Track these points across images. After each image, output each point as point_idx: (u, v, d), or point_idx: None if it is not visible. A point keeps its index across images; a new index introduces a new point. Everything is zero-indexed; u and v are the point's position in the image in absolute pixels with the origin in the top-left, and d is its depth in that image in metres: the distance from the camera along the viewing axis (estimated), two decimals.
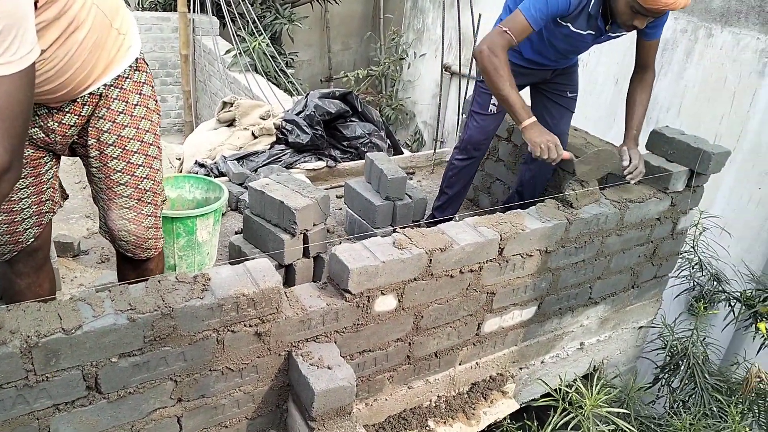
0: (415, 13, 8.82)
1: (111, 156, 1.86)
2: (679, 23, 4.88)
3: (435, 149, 4.30)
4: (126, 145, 1.87)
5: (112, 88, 1.82)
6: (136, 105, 1.87)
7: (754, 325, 3.02)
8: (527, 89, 2.92)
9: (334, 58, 10.12)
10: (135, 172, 1.90)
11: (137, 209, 1.94)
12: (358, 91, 9.11)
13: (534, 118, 2.40)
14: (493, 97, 2.77)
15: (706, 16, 4.67)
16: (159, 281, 1.62)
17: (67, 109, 1.79)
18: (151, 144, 1.92)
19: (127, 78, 1.85)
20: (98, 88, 1.79)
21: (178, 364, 1.65)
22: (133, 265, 2.06)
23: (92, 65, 1.73)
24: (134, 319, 1.52)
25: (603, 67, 5.56)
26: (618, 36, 2.57)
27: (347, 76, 8.98)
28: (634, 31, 2.48)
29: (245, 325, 1.70)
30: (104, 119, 1.83)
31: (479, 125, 2.90)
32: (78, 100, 1.79)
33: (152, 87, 1.95)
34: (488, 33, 2.47)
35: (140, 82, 1.89)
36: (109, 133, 1.84)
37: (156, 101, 1.96)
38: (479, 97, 2.87)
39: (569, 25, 2.45)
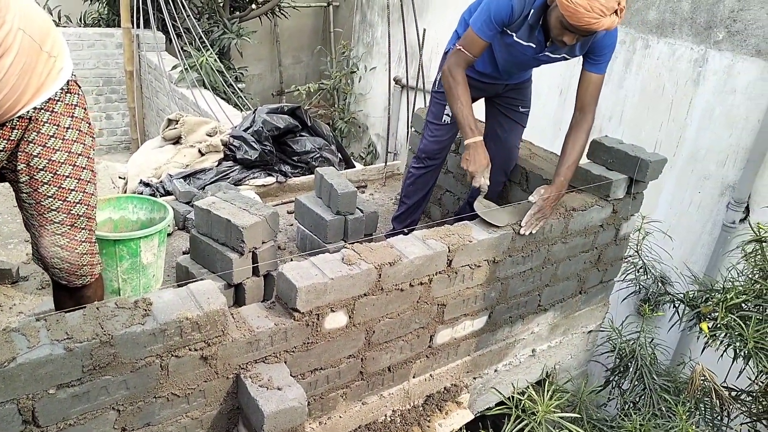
0: (364, 27, 8.88)
1: (42, 181, 1.81)
2: (618, 35, 5.04)
3: (386, 162, 4.32)
4: (57, 170, 1.82)
5: (43, 111, 1.78)
6: (68, 128, 1.83)
7: (697, 325, 3.11)
8: (482, 102, 2.97)
9: (286, 72, 10.09)
10: (67, 197, 1.85)
11: (70, 235, 1.89)
12: (310, 104, 9.10)
13: (479, 138, 2.46)
14: (447, 107, 2.82)
15: (643, 27, 4.85)
16: (98, 308, 1.57)
17: None
18: (84, 168, 1.88)
19: (58, 101, 1.80)
20: (28, 112, 1.75)
21: (121, 393, 1.60)
22: (69, 293, 1.99)
23: (21, 90, 1.69)
24: (72, 349, 1.47)
25: (546, 79, 5.69)
26: (558, 58, 2.57)
27: (299, 89, 8.95)
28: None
29: (190, 350, 1.66)
30: (34, 143, 1.78)
31: (434, 135, 2.93)
32: (7, 124, 1.74)
33: (85, 109, 1.91)
34: (449, 53, 2.60)
35: (72, 104, 1.85)
36: (40, 157, 1.79)
37: (89, 124, 1.92)
38: (434, 108, 2.91)
39: (513, 34, 2.49)
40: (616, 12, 2.14)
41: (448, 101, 2.56)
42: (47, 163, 1.80)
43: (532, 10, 2.39)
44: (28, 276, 2.79)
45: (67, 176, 1.84)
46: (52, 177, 1.82)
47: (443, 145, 2.96)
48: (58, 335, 1.48)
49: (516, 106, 2.91)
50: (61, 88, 1.81)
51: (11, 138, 1.77)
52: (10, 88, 1.65)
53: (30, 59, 1.69)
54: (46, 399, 1.48)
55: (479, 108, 3.05)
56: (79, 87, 1.90)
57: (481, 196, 2.43)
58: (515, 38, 2.50)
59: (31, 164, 1.80)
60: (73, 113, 1.85)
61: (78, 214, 1.89)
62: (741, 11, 4.20)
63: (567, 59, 2.59)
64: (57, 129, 1.80)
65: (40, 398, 1.47)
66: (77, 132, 1.85)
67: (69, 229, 1.88)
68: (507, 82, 2.83)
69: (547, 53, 2.53)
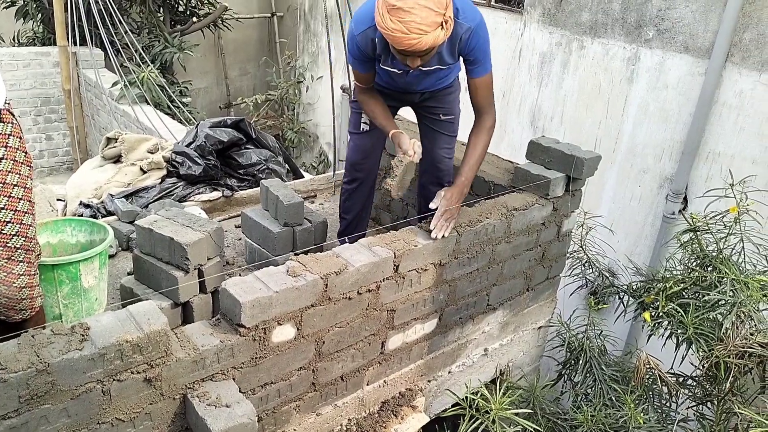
0: (308, 37, 8.88)
1: None
2: (554, 37, 5.19)
3: (335, 171, 4.32)
4: None
5: None
6: (1, 159, 1.78)
7: (641, 315, 3.22)
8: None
9: (232, 84, 9.99)
10: (3, 230, 1.80)
11: (7, 269, 1.83)
12: (258, 115, 9.03)
13: (396, 131, 2.49)
14: (363, 115, 2.82)
15: (577, 29, 5.00)
16: (33, 336, 1.53)
17: None
18: (20, 198, 1.83)
19: None
20: None
21: (62, 421, 1.56)
22: (8, 327, 1.92)
23: None
24: (6, 380, 1.42)
25: None
26: (433, 71, 2.53)
27: (246, 101, 8.89)
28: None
29: (132, 372, 1.62)
30: None
31: (355, 144, 2.92)
32: None
33: (20, 138, 1.86)
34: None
35: (5, 134, 1.80)
36: None
37: (25, 153, 1.87)
38: (352, 117, 2.90)
39: (380, 63, 2.53)
40: (441, 25, 2.09)
41: (366, 114, 2.71)
42: None
43: (377, 39, 2.38)
44: None
45: (2, 208, 1.79)
46: None
47: (366, 154, 2.92)
48: None
49: (436, 114, 2.82)
50: None
51: None
52: None
53: None
54: None
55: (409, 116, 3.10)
56: (13, 115, 1.85)
57: (413, 160, 2.43)
58: (382, 65, 2.54)
59: None
60: (7, 143, 1.80)
61: (15, 247, 1.83)
62: (668, 10, 4.38)
63: (443, 67, 2.52)
64: None
65: None
66: (11, 162, 1.81)
67: (6, 262, 1.82)
68: (422, 91, 2.75)
69: (420, 69, 2.44)
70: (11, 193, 1.81)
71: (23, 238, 1.85)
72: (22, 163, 1.85)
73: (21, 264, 1.86)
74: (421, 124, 2.92)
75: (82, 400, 1.56)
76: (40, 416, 1.51)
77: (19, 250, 1.85)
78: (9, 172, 1.80)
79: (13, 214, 1.82)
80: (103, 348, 1.54)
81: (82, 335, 1.55)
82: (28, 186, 1.87)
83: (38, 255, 1.97)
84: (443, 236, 2.29)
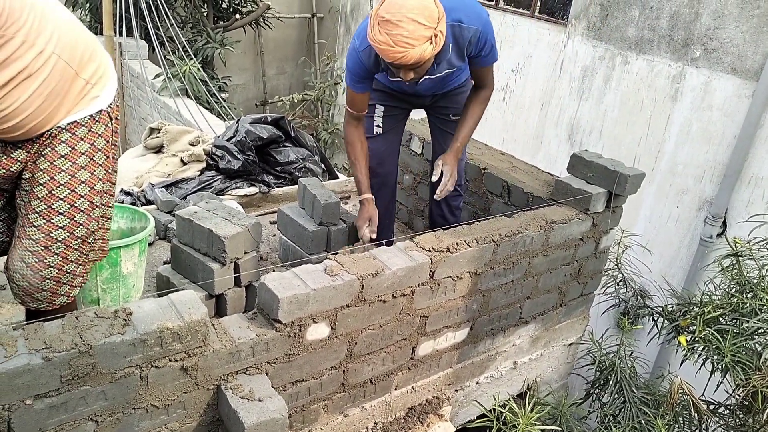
0: (348, 39, 8.92)
1: (37, 195, 1.80)
2: (597, 51, 5.14)
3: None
4: (54, 189, 1.81)
5: (64, 131, 1.79)
6: (82, 154, 1.83)
7: (676, 339, 3.15)
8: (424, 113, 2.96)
9: (269, 82, 10.09)
10: (52, 219, 1.82)
11: (40, 256, 1.84)
12: (294, 115, 9.11)
13: (366, 195, 2.67)
14: (375, 119, 2.82)
15: (622, 44, 4.94)
16: (77, 317, 1.56)
17: (19, 145, 1.78)
18: (82, 196, 1.85)
19: (83, 126, 1.82)
20: (51, 130, 1.78)
21: (99, 404, 1.58)
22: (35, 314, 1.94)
23: (49, 112, 1.72)
24: (50, 359, 1.45)
25: (529, 92, 5.78)
26: (443, 76, 2.53)
27: (282, 100, 8.96)
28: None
29: (170, 360, 1.64)
30: (45, 158, 1.79)
31: (369, 150, 2.85)
32: (32, 139, 1.78)
33: (108, 142, 1.90)
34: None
35: (96, 133, 1.85)
36: (44, 172, 1.79)
37: (108, 157, 1.91)
38: (365, 122, 2.86)
39: (389, 78, 2.53)
40: (430, 39, 2.10)
41: (351, 165, 2.74)
42: (48, 179, 1.80)
43: (372, 64, 2.41)
44: (5, 284, 2.75)
45: (61, 198, 1.82)
46: (47, 194, 1.80)
47: (381, 157, 2.89)
48: (36, 345, 1.46)
49: (447, 115, 2.81)
50: (91, 116, 1.83)
51: (31, 151, 1.80)
52: (34, 110, 1.68)
53: (62, 84, 1.72)
54: (23, 409, 1.46)
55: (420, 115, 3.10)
56: (111, 120, 1.90)
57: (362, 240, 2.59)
58: (391, 79, 2.54)
59: (35, 176, 1.80)
60: (94, 142, 1.85)
61: (56, 239, 1.84)
62: (717, 30, 4.31)
63: (453, 70, 2.54)
64: (71, 151, 1.81)
65: (16, 409, 1.45)
66: (89, 160, 1.84)
67: (42, 249, 1.83)
68: (433, 93, 2.75)
69: (426, 78, 2.49)
70: (75, 188, 1.83)
71: (68, 234, 1.85)
72: (100, 165, 1.88)
73: (55, 257, 1.86)
74: (432, 124, 2.93)
75: (120, 384, 1.59)
76: (80, 397, 1.54)
77: (59, 243, 1.85)
78: (82, 168, 1.84)
79: (69, 208, 1.84)
80: (144, 334, 1.56)
81: (125, 320, 1.57)
82: (96, 188, 1.89)
83: (87, 258, 1.96)
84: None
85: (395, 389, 2.38)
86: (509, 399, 2.67)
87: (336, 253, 2.11)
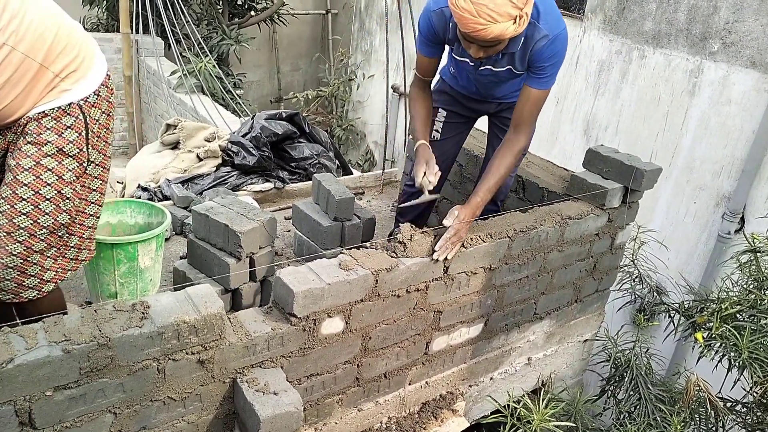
0: (362, 35, 8.92)
1: (5, 180, 1.82)
2: (614, 45, 5.09)
3: (384, 169, 4.33)
4: (18, 175, 1.80)
5: (33, 120, 1.81)
6: (49, 142, 1.82)
7: (692, 336, 3.12)
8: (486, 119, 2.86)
9: (284, 78, 10.11)
10: (15, 205, 1.79)
11: (2, 242, 1.80)
12: (308, 111, 9.12)
13: (420, 143, 2.38)
14: (436, 123, 2.76)
15: (639, 38, 4.89)
16: (95, 310, 1.58)
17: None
18: (48, 184, 1.82)
19: (49, 116, 1.82)
20: (21, 119, 1.81)
21: (117, 396, 1.60)
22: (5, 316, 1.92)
23: (11, 101, 1.74)
24: (69, 351, 1.47)
25: None
26: (503, 72, 2.41)
27: (297, 96, 8.98)
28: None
29: (187, 353, 1.66)
30: (15, 146, 1.83)
31: None
32: (11, 128, 1.82)
33: (81, 135, 1.87)
34: None
35: (65, 125, 1.84)
36: (13, 158, 1.82)
37: (80, 150, 1.88)
38: None
39: (452, 50, 2.43)
40: (515, 19, 1.97)
41: (410, 118, 2.54)
42: (14, 165, 1.80)
43: (451, 23, 2.25)
44: None
45: (26, 184, 1.80)
46: (12, 179, 1.80)
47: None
48: (56, 337, 1.48)
49: (508, 126, 2.69)
50: (60, 107, 1.82)
51: (7, 139, 1.84)
52: None
53: (20, 75, 1.73)
54: (43, 401, 1.48)
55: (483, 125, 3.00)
56: (84, 114, 1.88)
57: (422, 197, 2.30)
58: (454, 54, 2.44)
59: (7, 161, 1.84)
60: (62, 133, 1.83)
61: (19, 225, 1.80)
62: (736, 23, 4.24)
63: (514, 73, 2.39)
64: (36, 137, 1.81)
65: (36, 400, 1.48)
66: (56, 149, 1.83)
67: (4, 235, 1.80)
68: (498, 101, 2.67)
69: (488, 66, 2.39)
70: (41, 174, 1.81)
71: (31, 221, 1.81)
72: (70, 156, 1.85)
73: (18, 245, 1.81)
74: (492, 133, 2.83)
75: (138, 377, 1.61)
76: (98, 389, 1.56)
77: (21, 230, 1.81)
78: (48, 155, 1.81)
79: (33, 195, 1.80)
80: (162, 327, 1.58)
81: (143, 313, 1.59)
82: (65, 178, 1.85)
83: (61, 253, 1.93)
84: (446, 258, 2.14)
85: (409, 384, 2.39)
86: (523, 395, 2.67)
87: (351, 248, 2.12)
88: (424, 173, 2.28)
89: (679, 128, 4.65)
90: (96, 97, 1.91)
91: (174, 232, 3.26)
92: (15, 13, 1.70)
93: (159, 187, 3.73)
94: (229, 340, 1.74)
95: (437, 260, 2.13)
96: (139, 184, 3.85)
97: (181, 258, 2.92)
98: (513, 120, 2.35)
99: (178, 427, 1.76)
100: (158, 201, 3.59)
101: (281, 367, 1.88)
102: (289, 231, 3.40)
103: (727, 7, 4.29)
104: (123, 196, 4.04)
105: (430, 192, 2.32)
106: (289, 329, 1.85)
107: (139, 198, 3.65)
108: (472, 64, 2.40)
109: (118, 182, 4.15)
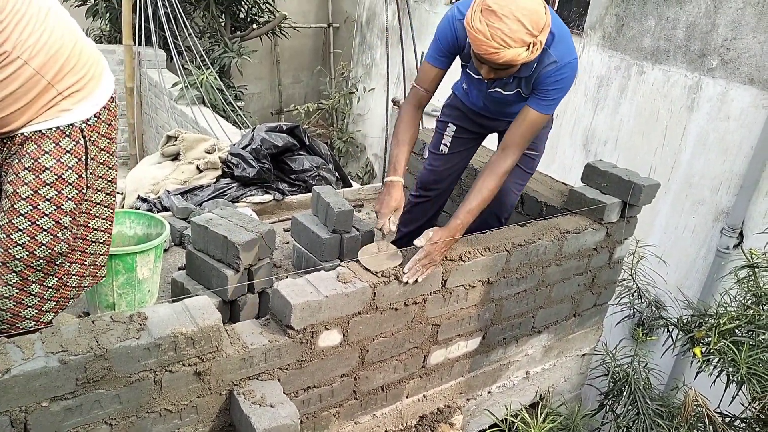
0: (363, 49, 8.98)
1: (2, 207, 1.73)
2: (613, 60, 5.13)
3: (383, 182, 4.34)
4: (15, 204, 1.71)
5: (30, 141, 1.71)
6: (47, 169, 1.72)
7: (691, 350, 3.12)
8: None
9: (285, 91, 10.18)
10: (11, 234, 1.72)
11: None
12: (309, 123, 9.17)
13: (395, 179, 2.28)
14: (445, 136, 2.75)
15: (638, 54, 4.92)
16: (93, 321, 1.58)
17: None
18: (46, 214, 1.74)
19: (48, 138, 1.72)
20: (16, 135, 1.71)
21: (114, 407, 1.60)
22: None
23: (8, 114, 1.65)
24: (66, 362, 1.47)
25: None
26: (512, 95, 2.39)
27: (297, 109, 9.03)
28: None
29: (184, 365, 1.66)
30: (11, 168, 1.72)
31: (431, 165, 2.84)
32: (5, 143, 1.72)
33: (80, 160, 1.78)
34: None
35: (64, 149, 1.74)
36: (10, 184, 1.72)
37: (80, 176, 1.79)
38: (434, 137, 2.83)
39: (466, 66, 2.40)
40: (528, 46, 1.96)
41: (394, 140, 2.41)
42: (12, 192, 1.71)
43: (468, 40, 2.16)
44: None
45: (22, 214, 1.71)
46: (10, 208, 1.71)
47: (440, 176, 2.82)
48: (53, 348, 1.48)
49: None
50: (58, 128, 1.73)
51: (2, 155, 1.74)
52: None
53: (25, 90, 1.64)
54: (39, 411, 1.48)
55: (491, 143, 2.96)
56: (85, 139, 1.79)
57: (384, 241, 2.25)
58: (468, 71, 2.41)
59: (4, 187, 1.74)
60: (61, 158, 1.74)
61: (14, 256, 1.73)
62: (734, 40, 4.28)
63: (522, 97, 2.36)
64: (34, 163, 1.71)
65: (33, 410, 1.47)
66: (56, 177, 1.73)
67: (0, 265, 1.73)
68: (508, 119, 2.58)
69: (497, 89, 2.37)
70: (38, 205, 1.72)
71: (27, 252, 1.74)
72: (69, 183, 1.76)
73: (14, 275, 1.75)
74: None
75: (135, 388, 1.61)
76: (94, 400, 1.56)
77: (17, 262, 1.74)
78: (47, 184, 1.72)
79: (29, 225, 1.72)
80: (159, 338, 1.58)
81: (140, 324, 1.60)
82: (64, 208, 1.77)
83: (63, 283, 1.88)
84: (415, 281, 2.08)
85: (406, 397, 2.38)
86: (521, 409, 2.66)
87: (349, 261, 2.12)
88: (389, 218, 2.22)
89: (677, 144, 4.68)
90: (96, 119, 1.82)
91: (173, 243, 3.27)
92: (36, 27, 1.63)
93: (159, 198, 3.74)
94: (227, 352, 1.74)
95: (406, 282, 2.07)
96: (138, 195, 3.86)
97: (180, 269, 2.92)
98: (503, 141, 2.29)
99: None
100: (158, 212, 3.60)
101: (278, 380, 1.88)
102: (287, 243, 3.40)
103: (725, 24, 4.33)
104: (123, 207, 4.05)
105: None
106: (286, 341, 1.85)
107: (139, 209, 3.66)
108: (485, 82, 2.37)
109: (118, 193, 4.16)
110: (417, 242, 2.09)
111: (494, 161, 2.28)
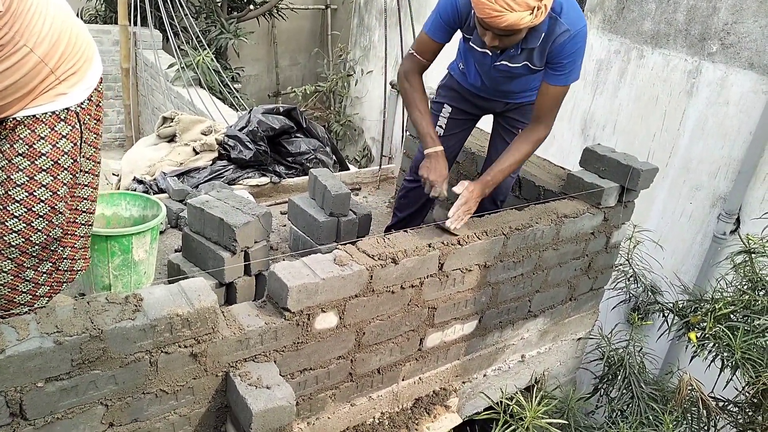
0: (361, 31, 8.90)
1: None
2: (612, 44, 5.09)
3: (381, 165, 4.33)
4: (10, 191, 1.69)
5: (22, 126, 1.68)
6: (43, 155, 1.70)
7: (686, 335, 3.13)
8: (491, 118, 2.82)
9: (282, 73, 10.09)
10: (6, 222, 1.71)
11: None
12: (306, 106, 9.10)
13: (439, 148, 2.34)
14: (440, 118, 2.73)
15: (638, 38, 4.89)
16: (88, 302, 1.57)
17: None
18: (41, 200, 1.72)
19: (43, 123, 1.69)
20: (10, 120, 1.68)
21: (109, 388, 1.60)
22: None
23: (7, 102, 1.63)
24: (61, 342, 1.47)
25: None
26: (519, 68, 2.38)
27: (295, 91, 8.96)
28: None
29: (180, 346, 1.66)
30: (3, 154, 1.69)
31: None
32: None
33: (76, 145, 1.76)
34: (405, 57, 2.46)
35: (60, 134, 1.72)
36: (2, 170, 1.69)
37: (74, 160, 1.76)
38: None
39: (470, 39, 2.38)
40: (532, 10, 1.94)
41: (406, 108, 2.40)
42: (5, 178, 1.68)
43: (472, 12, 2.18)
44: None
45: (17, 201, 1.69)
46: (3, 195, 1.69)
47: None
48: (47, 328, 1.48)
49: (516, 128, 2.67)
50: (54, 112, 1.70)
51: None
52: None
53: (28, 78, 1.63)
54: (34, 392, 1.48)
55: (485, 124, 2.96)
56: (80, 122, 1.77)
57: (438, 205, 2.34)
58: (471, 44, 2.39)
59: None
60: (57, 143, 1.71)
61: (10, 243, 1.72)
62: (735, 24, 4.24)
63: (531, 69, 2.36)
64: (28, 149, 1.68)
65: (28, 391, 1.47)
66: (52, 163, 1.71)
67: None
68: (506, 100, 2.64)
69: (503, 61, 2.36)
70: (34, 191, 1.70)
71: (23, 239, 1.73)
72: (64, 168, 1.74)
73: (9, 262, 1.74)
74: (496, 133, 2.79)
75: (131, 369, 1.60)
76: (90, 381, 1.56)
77: (13, 248, 1.73)
78: (42, 170, 1.70)
79: (25, 212, 1.71)
80: (155, 320, 1.58)
81: (136, 306, 1.59)
82: (60, 193, 1.76)
83: (56, 267, 1.87)
84: (456, 228, 2.18)
85: (402, 380, 2.39)
86: (517, 392, 2.67)
87: (346, 244, 2.11)
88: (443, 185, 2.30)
89: (676, 128, 4.66)
90: (88, 102, 1.81)
91: (169, 225, 3.25)
92: (40, 14, 1.61)
93: (155, 179, 3.72)
94: (223, 333, 1.73)
95: (454, 228, 2.17)
96: (134, 177, 3.84)
97: (176, 251, 2.91)
98: (533, 113, 2.39)
99: (170, 420, 1.76)
100: (154, 194, 3.58)
101: (274, 362, 1.88)
102: (284, 226, 3.39)
103: (726, 8, 4.29)
104: (118, 189, 4.03)
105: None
106: (282, 324, 1.85)
107: (135, 190, 3.64)
108: (491, 55, 2.35)
109: (113, 174, 4.14)
110: (457, 189, 2.20)
111: (529, 129, 2.38)
